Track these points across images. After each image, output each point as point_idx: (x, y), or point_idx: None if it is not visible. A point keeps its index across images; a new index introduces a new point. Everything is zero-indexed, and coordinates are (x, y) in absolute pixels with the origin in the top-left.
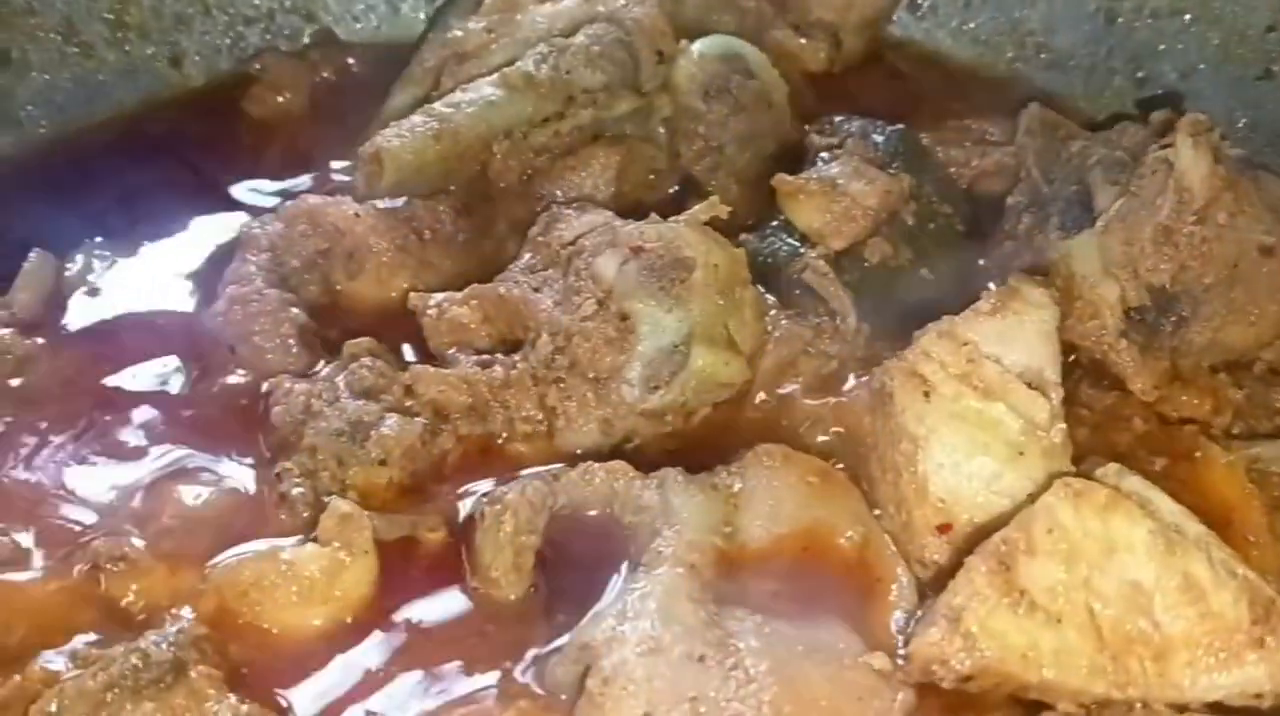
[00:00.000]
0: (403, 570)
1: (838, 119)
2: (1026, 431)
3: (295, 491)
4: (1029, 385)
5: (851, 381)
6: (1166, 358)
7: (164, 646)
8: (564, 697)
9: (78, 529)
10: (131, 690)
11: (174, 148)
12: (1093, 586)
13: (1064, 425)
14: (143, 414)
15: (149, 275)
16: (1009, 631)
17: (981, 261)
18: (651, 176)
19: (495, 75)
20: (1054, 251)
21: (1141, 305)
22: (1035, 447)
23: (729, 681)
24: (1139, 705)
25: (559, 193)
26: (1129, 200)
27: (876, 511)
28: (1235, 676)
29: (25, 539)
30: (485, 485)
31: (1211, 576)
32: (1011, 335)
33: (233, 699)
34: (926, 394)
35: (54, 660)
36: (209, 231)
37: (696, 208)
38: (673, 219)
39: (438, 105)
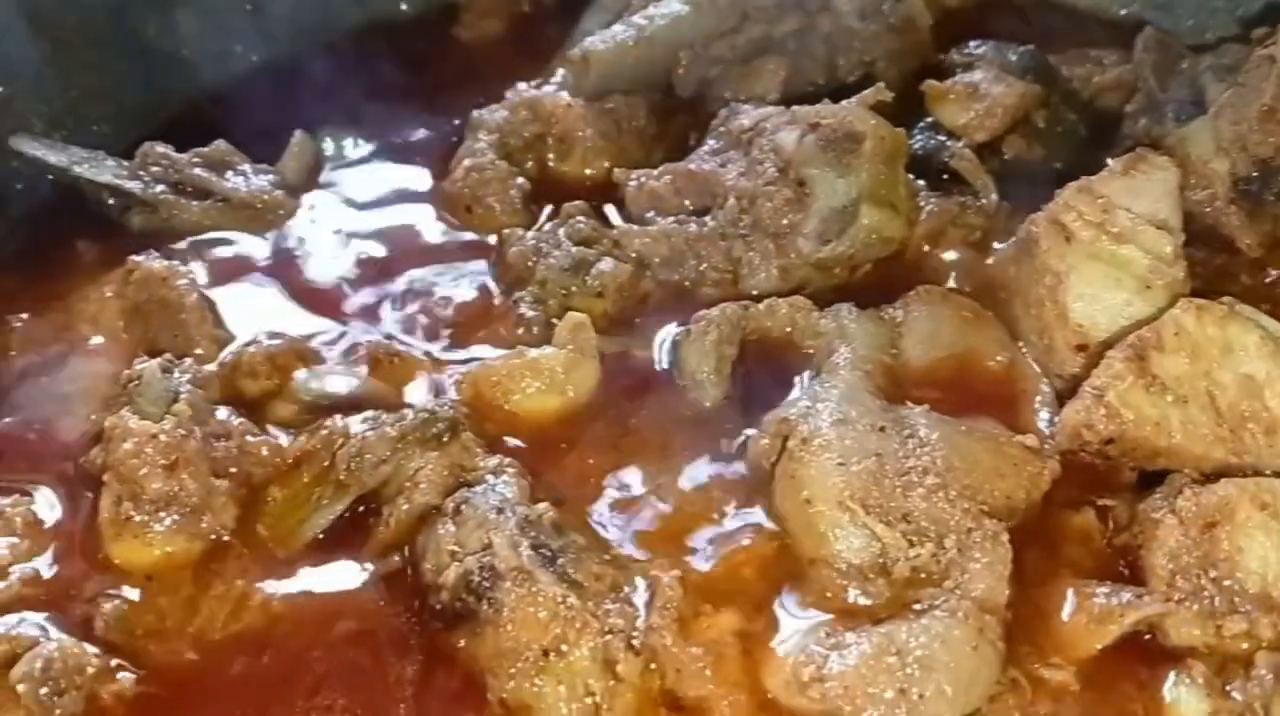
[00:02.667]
0: (619, 377)
1: (973, 44)
2: (1153, 268)
3: (530, 313)
4: (1156, 227)
5: (994, 248)
6: (1269, 223)
7: (447, 408)
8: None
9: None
10: (419, 440)
11: (393, 65)
12: (1213, 377)
13: (1185, 262)
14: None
15: (384, 157)
16: (1143, 405)
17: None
18: (811, 87)
19: None
20: (1171, 138)
21: (1249, 176)
22: (1161, 281)
23: (906, 443)
24: (1252, 471)
25: (732, 97)
26: (1237, 90)
27: (1020, 344)
28: None
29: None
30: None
31: None
32: (1139, 190)
33: (494, 459)
34: (1067, 238)
35: (350, 422)
36: (426, 128)
37: (865, 92)
38: (844, 101)
39: (635, 18)
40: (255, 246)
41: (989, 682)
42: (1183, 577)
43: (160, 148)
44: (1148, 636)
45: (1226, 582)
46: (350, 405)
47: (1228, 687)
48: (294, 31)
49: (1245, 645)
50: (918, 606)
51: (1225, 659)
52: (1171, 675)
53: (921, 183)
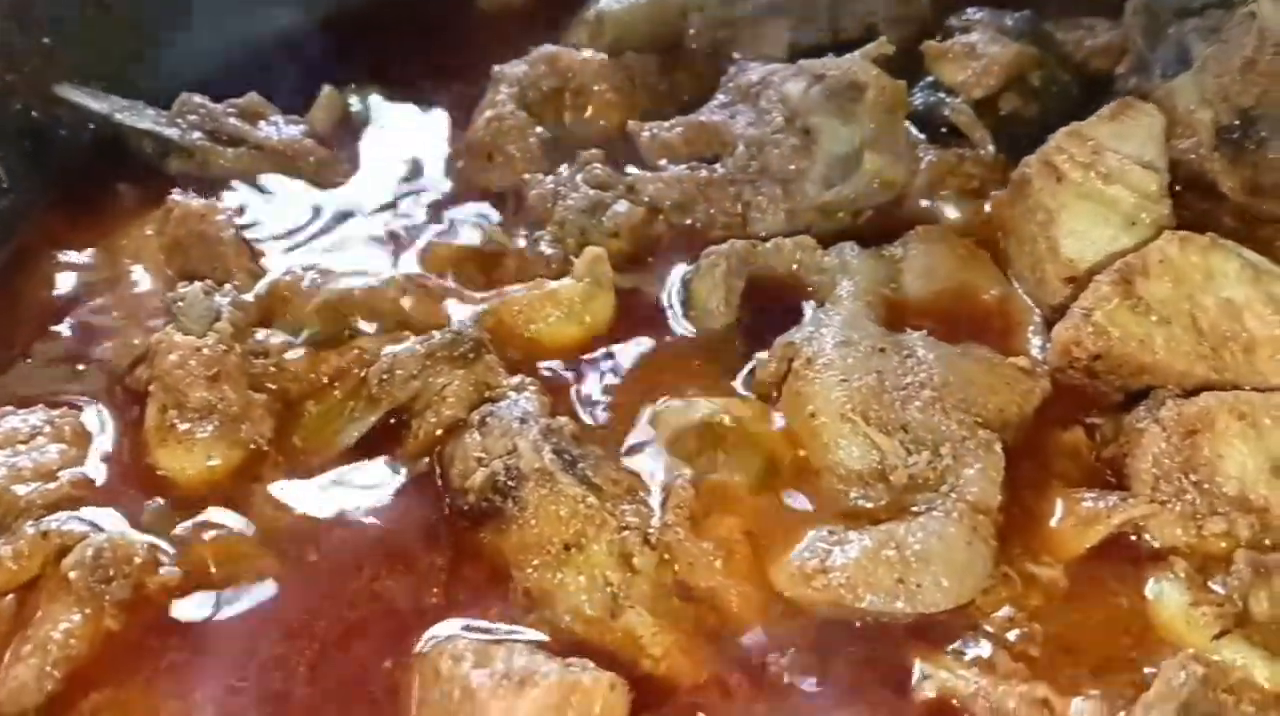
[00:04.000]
0: (634, 310)
1: (970, 10)
2: (1140, 205)
3: (550, 251)
4: (1142, 167)
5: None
6: (1250, 169)
7: (472, 328)
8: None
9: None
10: (447, 358)
11: (415, 32)
12: (1195, 300)
13: (1169, 200)
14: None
15: (408, 111)
16: (1128, 323)
17: None
18: (815, 48)
19: None
20: (1159, 92)
21: (1230, 124)
22: (1147, 218)
23: (905, 362)
24: (1231, 386)
25: (740, 57)
26: (1220, 45)
27: (1013, 278)
28: None
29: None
30: None
31: None
32: (1127, 133)
33: (517, 378)
34: (1058, 178)
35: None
36: (448, 87)
37: (867, 46)
38: (848, 54)
39: None
40: (287, 191)
41: (982, 576)
42: (1165, 482)
43: (197, 98)
44: (1133, 537)
45: (1206, 486)
46: (366, 307)
47: (1209, 583)
48: None
49: (1224, 544)
50: (915, 509)
51: (1205, 557)
52: (1155, 572)
53: (923, 136)
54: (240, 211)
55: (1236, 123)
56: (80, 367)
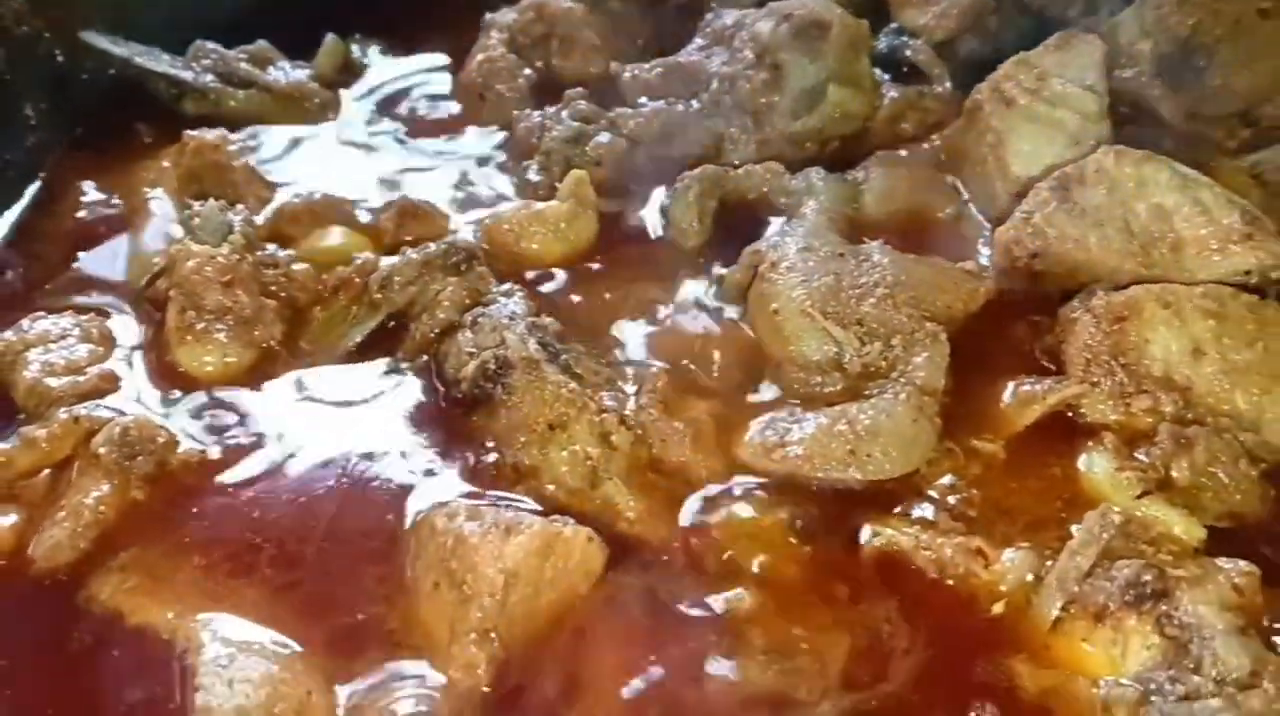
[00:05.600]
0: (616, 231)
1: None
2: (1082, 126)
3: (536, 178)
4: (1083, 89)
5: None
6: (1189, 96)
7: (465, 240)
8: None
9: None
10: (441, 266)
11: None
12: (1128, 205)
13: (1109, 122)
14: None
15: (408, 61)
16: (1065, 225)
17: None
18: None
19: None
20: (1104, 27)
21: (1169, 54)
22: (1089, 139)
23: (861, 266)
24: (1160, 282)
25: (717, 4)
26: None
27: (967, 198)
28: (1231, 262)
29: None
30: None
31: (1215, 200)
32: (1070, 61)
33: (506, 285)
34: (1007, 103)
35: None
36: (443, 35)
37: None
38: None
39: None
40: (296, 127)
41: (926, 448)
42: (1096, 365)
43: (210, 44)
44: (1069, 415)
45: (1134, 368)
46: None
47: (1135, 454)
48: None
49: (1150, 419)
50: (867, 394)
51: (1133, 432)
52: (1086, 447)
53: (887, 76)
54: (253, 147)
55: (1175, 51)
56: (106, 284)
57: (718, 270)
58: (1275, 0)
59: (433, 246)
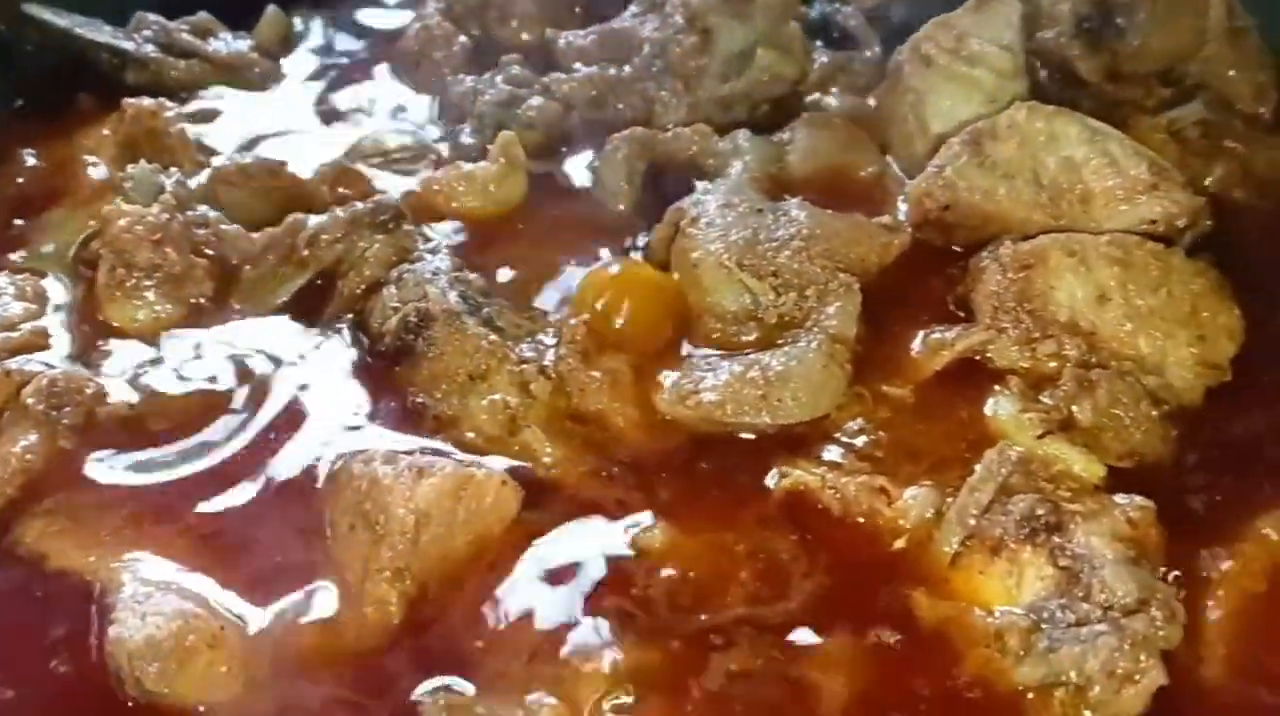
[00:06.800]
0: (546, 192)
1: None
2: (998, 85)
3: (469, 141)
4: (1000, 48)
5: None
6: (1109, 56)
7: (392, 199)
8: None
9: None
10: (369, 224)
11: None
12: (1038, 158)
13: (1025, 80)
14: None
15: (345, 28)
16: (975, 178)
17: None
18: None
19: None
20: None
21: (1089, 14)
22: (1005, 96)
23: (779, 220)
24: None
25: None
26: None
27: (888, 158)
28: (1138, 211)
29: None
30: None
31: (1123, 153)
32: (987, 21)
33: (432, 243)
34: (927, 63)
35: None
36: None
37: None
38: None
39: None
40: (236, 97)
41: (836, 393)
42: (1003, 312)
43: (151, 16)
44: (977, 360)
45: (1039, 314)
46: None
47: (1040, 397)
48: None
49: (1054, 364)
50: (780, 343)
51: (1039, 377)
52: (995, 391)
53: (819, 43)
54: (190, 115)
55: (1094, 13)
56: (41, 247)
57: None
58: None
59: (359, 205)
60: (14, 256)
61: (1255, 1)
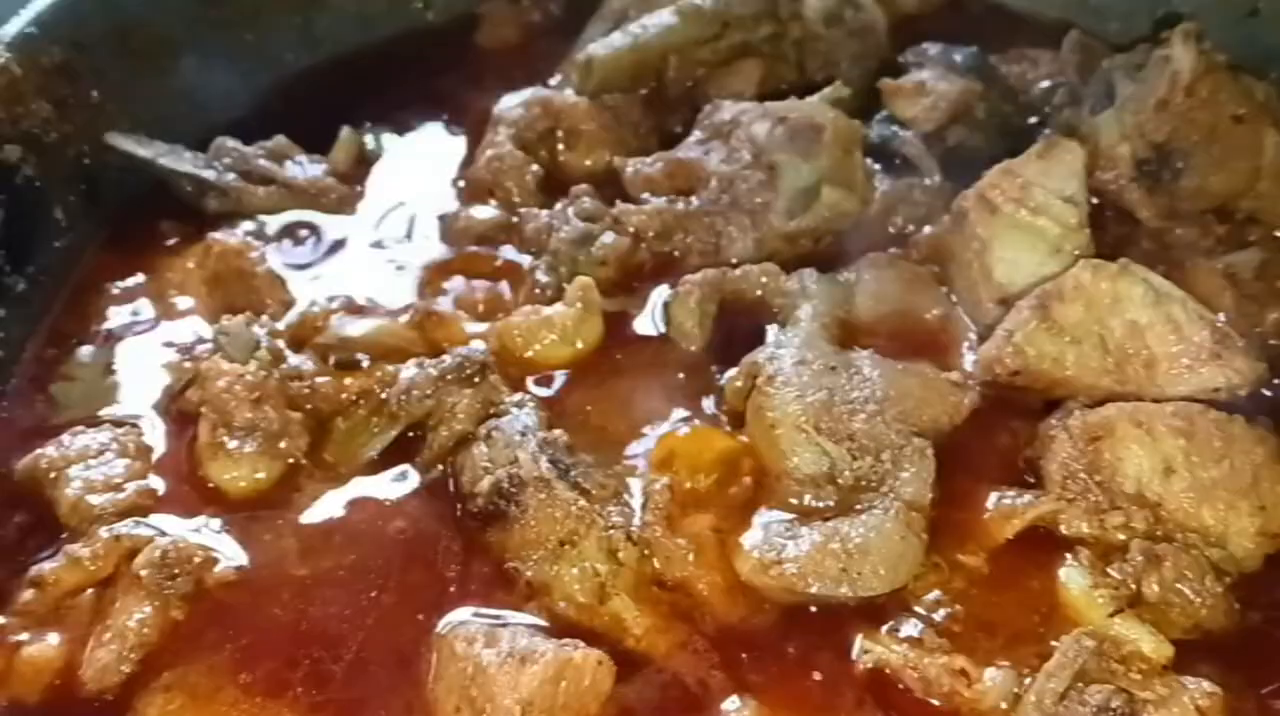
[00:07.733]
0: (620, 332)
1: (924, 45)
2: (1063, 235)
3: (545, 279)
4: (1064, 201)
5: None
6: (1166, 198)
7: (479, 353)
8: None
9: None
10: (456, 379)
11: (422, 68)
12: (1103, 322)
13: (1088, 231)
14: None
15: (420, 149)
16: (1044, 344)
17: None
18: (783, 85)
19: (672, 6)
20: (1085, 127)
21: (1147, 158)
22: (1069, 246)
23: (853, 379)
24: (1134, 397)
25: (715, 95)
26: (1139, 86)
27: (954, 299)
28: (1200, 378)
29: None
30: None
31: (1186, 317)
32: (1052, 170)
33: (518, 396)
34: (992, 211)
35: (399, 367)
36: (454, 124)
37: (825, 90)
38: (809, 98)
39: (632, 26)
40: (316, 227)
41: (914, 564)
42: (1072, 482)
43: (230, 142)
44: (1047, 529)
45: (1108, 485)
46: (372, 346)
47: (1108, 569)
48: (336, 41)
49: (1123, 535)
50: (859, 507)
51: (1107, 547)
52: (1063, 560)
53: (878, 166)
54: (273, 243)
55: (1152, 156)
56: (135, 392)
57: (719, 375)
58: (1248, 107)
59: (448, 359)
60: (111, 408)
61: None
